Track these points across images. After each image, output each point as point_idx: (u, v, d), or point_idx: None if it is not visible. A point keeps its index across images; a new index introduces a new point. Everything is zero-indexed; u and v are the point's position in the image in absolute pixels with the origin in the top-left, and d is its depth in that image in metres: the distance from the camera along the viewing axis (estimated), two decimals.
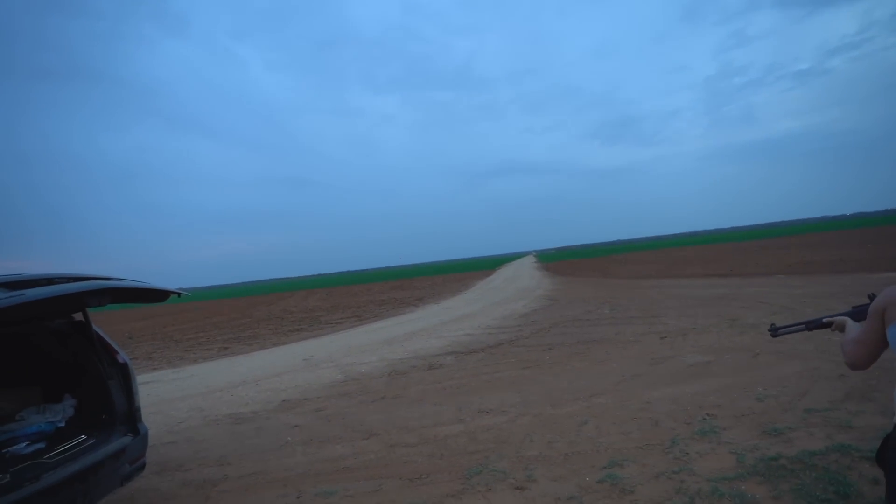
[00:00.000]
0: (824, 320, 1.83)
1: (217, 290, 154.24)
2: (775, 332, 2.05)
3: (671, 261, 33.24)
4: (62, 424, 3.29)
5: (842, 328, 1.75)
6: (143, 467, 3.38)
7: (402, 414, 5.17)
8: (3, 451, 2.91)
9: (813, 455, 3.12)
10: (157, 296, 3.43)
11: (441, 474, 3.56)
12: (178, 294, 3.45)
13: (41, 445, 2.99)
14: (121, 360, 3.40)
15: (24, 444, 3.00)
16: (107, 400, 3.26)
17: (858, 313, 1.72)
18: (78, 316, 3.41)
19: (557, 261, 62.79)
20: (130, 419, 3.36)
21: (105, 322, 27.71)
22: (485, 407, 5.07)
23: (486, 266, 73.92)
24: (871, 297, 1.68)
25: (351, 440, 4.53)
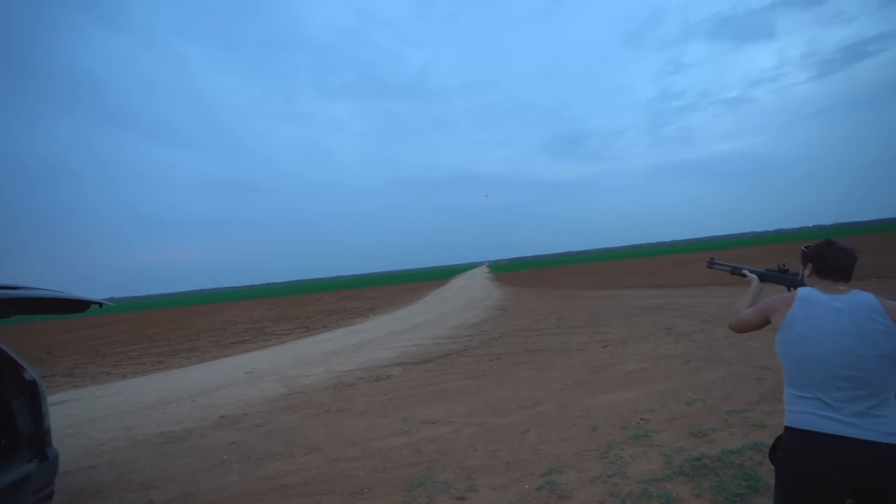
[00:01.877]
0: (743, 271, 2.29)
1: (155, 300, 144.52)
2: (711, 264, 2.59)
3: (616, 272, 34.79)
4: None
5: (749, 283, 2.15)
6: (50, 496, 3.08)
7: (347, 427, 5.05)
8: None
9: (731, 453, 3.34)
10: (74, 306, 3.16)
11: (383, 487, 3.50)
12: (100, 304, 3.19)
13: None
14: (28, 378, 3.09)
15: None
16: (8, 422, 2.95)
17: (766, 276, 2.17)
18: None
19: (509, 271, 64.03)
20: (37, 443, 3.06)
21: (19, 336, 25.21)
22: (431, 418, 5.05)
23: (439, 276, 74.11)
24: (780, 266, 2.15)
25: (291, 456, 4.36)
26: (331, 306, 27.73)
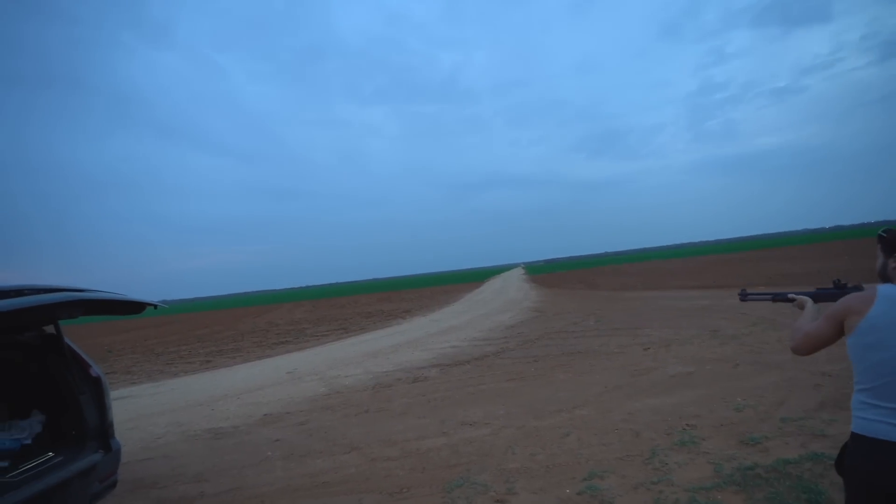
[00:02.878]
0: (789, 295, 1.97)
1: (202, 303, 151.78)
2: (745, 296, 2.24)
3: (656, 273, 33.65)
4: (28, 441, 3.19)
5: (802, 306, 1.88)
6: (114, 485, 3.29)
7: (385, 427, 5.12)
8: None
9: (787, 464, 3.16)
10: (132, 308, 3.37)
11: (422, 488, 3.53)
12: (155, 306, 3.39)
13: (5, 464, 2.89)
14: (94, 374, 3.32)
15: None
16: (77, 415, 3.18)
17: (819, 296, 1.87)
18: (50, 329, 3.33)
19: (545, 273, 63.13)
20: (102, 435, 3.27)
21: (84, 335, 27.05)
22: (468, 419, 5.05)
23: (474, 278, 73.99)
24: (836, 282, 1.80)
25: (332, 454, 4.46)
26: (368, 308, 28.22)
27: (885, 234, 1.54)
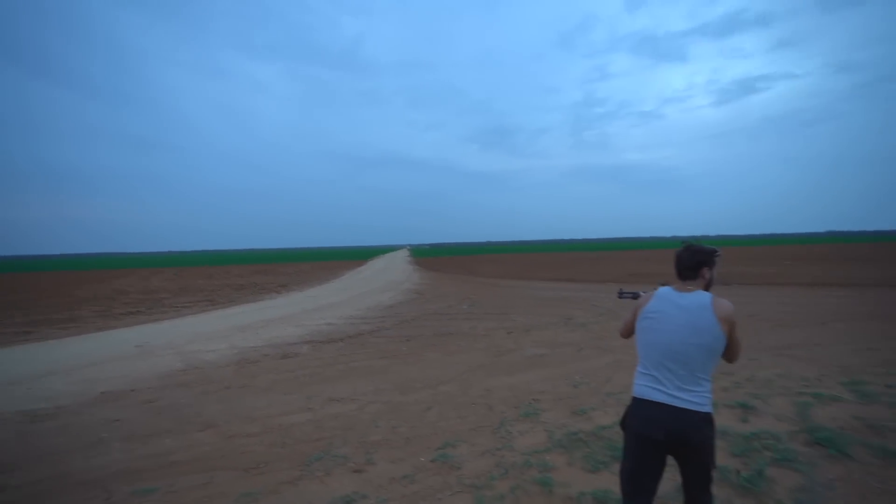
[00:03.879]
0: (639, 293, 2.44)
1: (30, 262, 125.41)
2: (620, 295, 2.75)
3: (530, 264, 36.71)
4: None
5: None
6: None
7: (247, 404, 4.92)
8: None
9: (603, 429, 3.82)
10: None
11: (280, 462, 3.50)
12: None
13: None
14: None
15: None
16: None
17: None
18: None
19: (430, 256, 64.78)
20: None
21: None
22: (336, 395, 5.09)
23: (358, 256, 72.93)
24: (662, 284, 2.27)
25: (183, 433, 4.17)
26: (240, 280, 26.21)
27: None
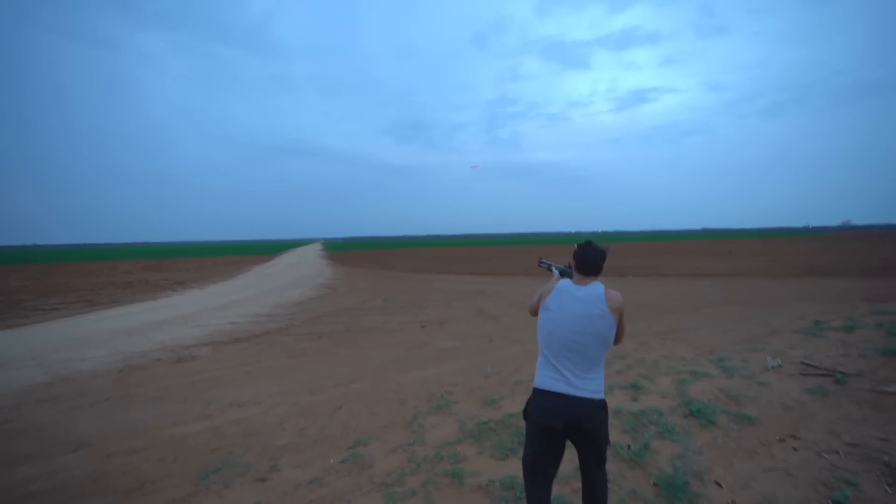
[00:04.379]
0: (552, 267, 2.61)
1: None
2: (540, 263, 2.93)
3: (446, 258, 37.33)
4: None
5: (551, 276, 2.54)
6: None
7: (132, 416, 4.40)
8: None
9: (511, 416, 3.98)
10: None
11: (170, 479, 3.17)
12: None
13: None
14: None
15: None
16: None
17: (562, 272, 2.48)
18: None
19: (344, 251, 63.14)
20: None
21: None
22: (238, 400, 4.74)
23: (267, 251, 68.85)
24: (569, 264, 2.47)
25: (46, 457, 3.61)
26: (128, 277, 23.40)
27: (575, 249, 2.15)
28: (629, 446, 3.26)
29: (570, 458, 2.44)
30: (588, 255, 2.08)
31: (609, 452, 2.02)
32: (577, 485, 2.53)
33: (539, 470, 2.00)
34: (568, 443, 2.01)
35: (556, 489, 2.54)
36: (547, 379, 1.98)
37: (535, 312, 2.22)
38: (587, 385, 1.92)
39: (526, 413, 2.08)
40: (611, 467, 2.88)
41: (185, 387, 5.25)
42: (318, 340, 7.44)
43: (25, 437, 4.01)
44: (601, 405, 1.94)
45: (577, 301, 1.98)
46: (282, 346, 7.07)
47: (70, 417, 4.44)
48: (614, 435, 3.43)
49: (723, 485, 2.78)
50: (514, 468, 3.05)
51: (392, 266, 28.95)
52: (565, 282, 2.09)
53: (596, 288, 2.01)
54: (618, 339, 2.04)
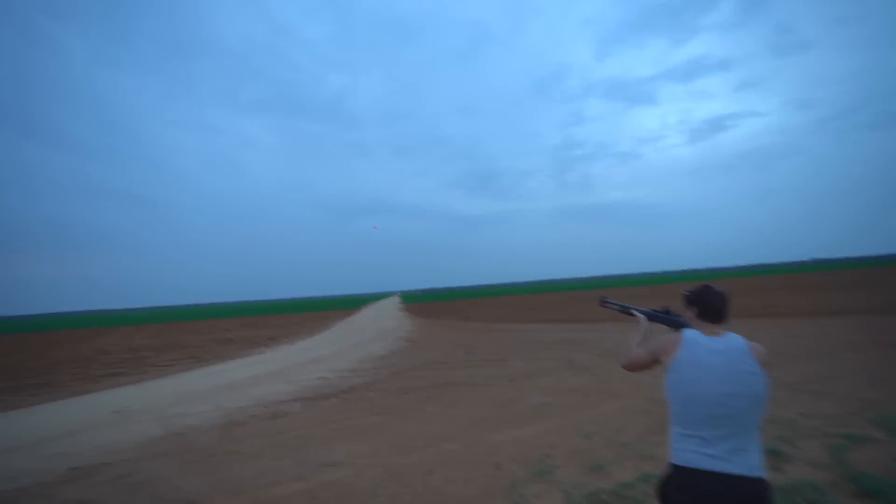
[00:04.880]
0: (632, 311, 2.34)
1: (17, 322, 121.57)
2: (603, 303, 2.62)
3: (523, 306, 36.35)
4: None
5: (637, 323, 2.24)
6: None
7: (234, 474, 4.48)
8: None
9: (625, 486, 3.47)
10: None
11: None
12: None
13: None
14: None
15: None
16: None
17: (652, 316, 2.25)
18: None
19: (421, 302, 64.08)
20: None
21: None
22: (330, 460, 4.67)
23: (349, 305, 71.90)
24: (664, 308, 2.20)
25: None
26: (228, 334, 25.40)
27: (687, 294, 1.88)
28: None
29: None
30: (714, 300, 1.77)
31: None
32: None
33: None
34: None
35: None
36: (693, 454, 1.61)
37: (637, 368, 1.92)
38: (745, 460, 1.54)
39: (664, 495, 1.71)
40: None
41: (279, 444, 5.31)
42: (404, 396, 7.31)
43: (142, 492, 4.21)
44: (768, 485, 1.54)
45: (717, 355, 1.63)
46: (369, 403, 7.03)
47: (180, 472, 4.63)
48: None
49: None
50: None
51: (470, 316, 28.68)
52: (693, 332, 1.75)
53: (734, 339, 1.67)
54: None
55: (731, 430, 1.57)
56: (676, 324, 2.12)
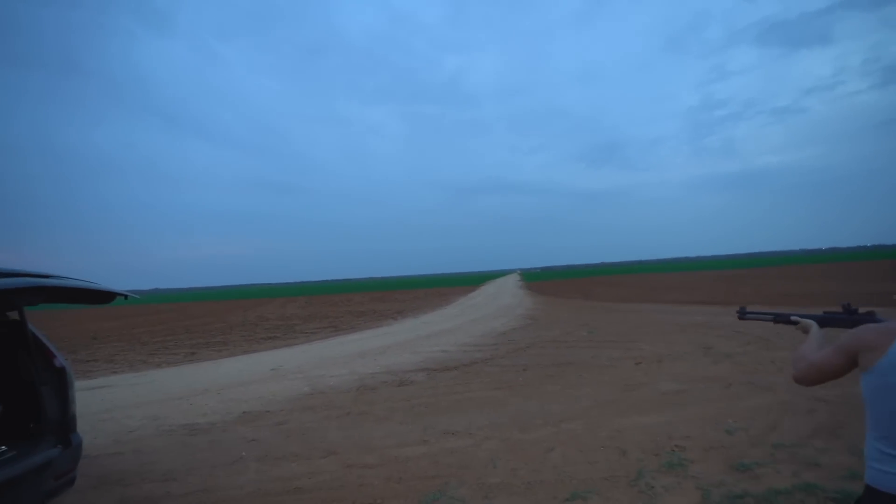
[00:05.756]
0: (792, 318, 1.81)
1: (198, 293, 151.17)
2: (743, 314, 2.11)
3: (652, 286, 33.57)
4: None
5: (806, 330, 1.72)
6: (72, 482, 3.12)
7: (366, 432, 4.96)
8: None
9: (779, 494, 3.03)
10: (100, 297, 3.22)
11: (396, 500, 3.37)
12: (125, 296, 3.24)
13: None
14: (58, 364, 3.15)
15: None
16: (37, 408, 3.01)
17: (827, 320, 1.72)
18: (15, 315, 3.17)
19: (541, 280, 63.02)
20: (63, 429, 3.11)
21: (71, 321, 26.71)
22: (451, 428, 4.89)
23: (470, 282, 73.84)
24: (846, 307, 1.64)
25: (308, 458, 4.30)
26: (361, 307, 28.02)
27: None
28: None
29: None
30: None
31: None
32: None
33: None
34: None
35: None
36: None
37: (824, 374, 1.40)
38: None
39: None
40: None
41: (405, 410, 5.72)
42: (524, 373, 7.31)
43: (294, 438, 4.91)
44: None
45: None
46: (489, 377, 7.18)
47: (323, 426, 5.27)
48: None
49: None
50: None
51: (593, 295, 27.42)
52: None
53: None
54: None
55: None
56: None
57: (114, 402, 6.83)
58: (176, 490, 3.74)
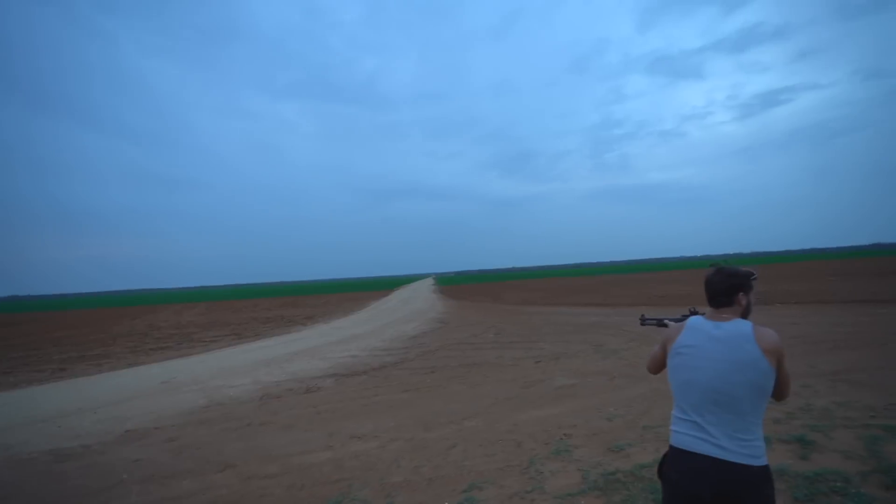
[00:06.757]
0: (665, 321, 2.20)
1: (72, 300, 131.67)
2: (643, 321, 2.47)
3: (556, 289, 36.00)
4: None
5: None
6: None
7: (268, 442, 4.79)
8: None
9: (643, 468, 3.49)
10: None
11: None
12: None
13: None
14: None
15: None
16: None
17: (677, 321, 2.09)
18: None
19: (455, 284, 64.47)
20: None
21: None
22: (357, 433, 4.90)
23: (384, 286, 73.25)
24: (692, 310, 2.03)
25: (202, 474, 4.05)
26: (267, 313, 26.53)
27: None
28: None
29: None
30: (715, 283, 1.70)
31: None
32: None
33: None
34: None
35: None
36: (687, 437, 1.60)
37: (658, 364, 1.85)
38: (742, 447, 1.51)
39: (661, 472, 1.73)
40: None
41: (311, 417, 5.61)
42: (431, 375, 7.50)
43: (187, 454, 4.58)
44: (763, 474, 1.50)
45: (716, 342, 1.59)
46: (398, 381, 7.26)
47: (220, 439, 4.98)
48: (780, 502, 2.79)
49: None
50: None
51: (502, 299, 28.70)
52: (697, 318, 1.72)
53: (740, 325, 1.59)
54: (780, 393, 1.60)
55: (726, 415, 1.54)
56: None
57: None
58: None
